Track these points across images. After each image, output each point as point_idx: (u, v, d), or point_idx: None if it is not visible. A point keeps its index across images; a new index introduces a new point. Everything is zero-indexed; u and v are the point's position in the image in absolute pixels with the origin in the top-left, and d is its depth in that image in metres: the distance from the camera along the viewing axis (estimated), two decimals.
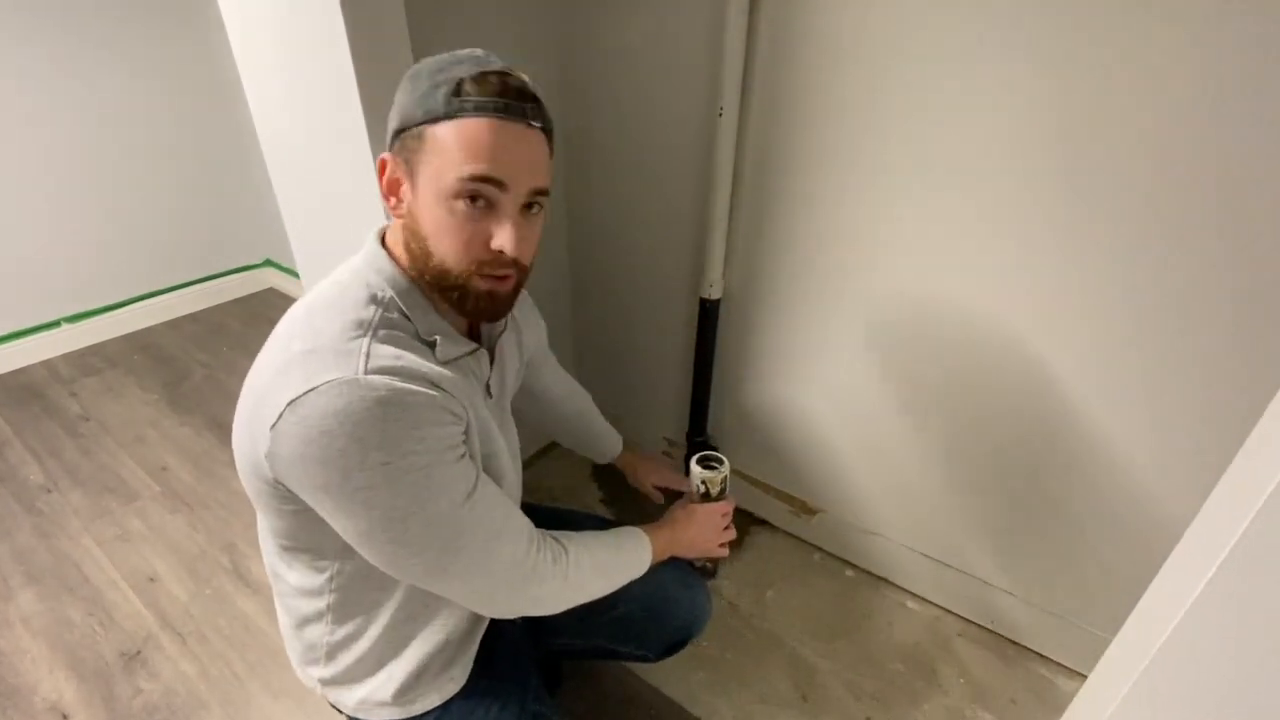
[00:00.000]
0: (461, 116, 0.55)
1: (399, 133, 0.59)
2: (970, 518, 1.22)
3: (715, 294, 1.28)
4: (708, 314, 1.31)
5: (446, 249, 0.59)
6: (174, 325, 2.48)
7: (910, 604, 1.36)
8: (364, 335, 0.57)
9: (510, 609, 0.68)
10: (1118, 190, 0.85)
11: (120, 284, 2.37)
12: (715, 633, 1.29)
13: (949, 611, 1.34)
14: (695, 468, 0.91)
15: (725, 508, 0.92)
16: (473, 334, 0.72)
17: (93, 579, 1.43)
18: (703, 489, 0.91)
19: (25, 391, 2.07)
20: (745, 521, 1.56)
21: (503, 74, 0.57)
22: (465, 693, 0.76)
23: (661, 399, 1.58)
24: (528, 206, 0.60)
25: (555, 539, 0.71)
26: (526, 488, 1.64)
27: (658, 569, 0.84)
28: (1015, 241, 0.96)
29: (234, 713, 1.17)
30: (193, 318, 2.53)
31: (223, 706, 1.18)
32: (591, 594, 0.73)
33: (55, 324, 2.25)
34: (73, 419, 1.94)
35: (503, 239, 0.58)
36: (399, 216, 0.62)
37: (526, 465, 1.70)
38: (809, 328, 1.24)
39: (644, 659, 0.95)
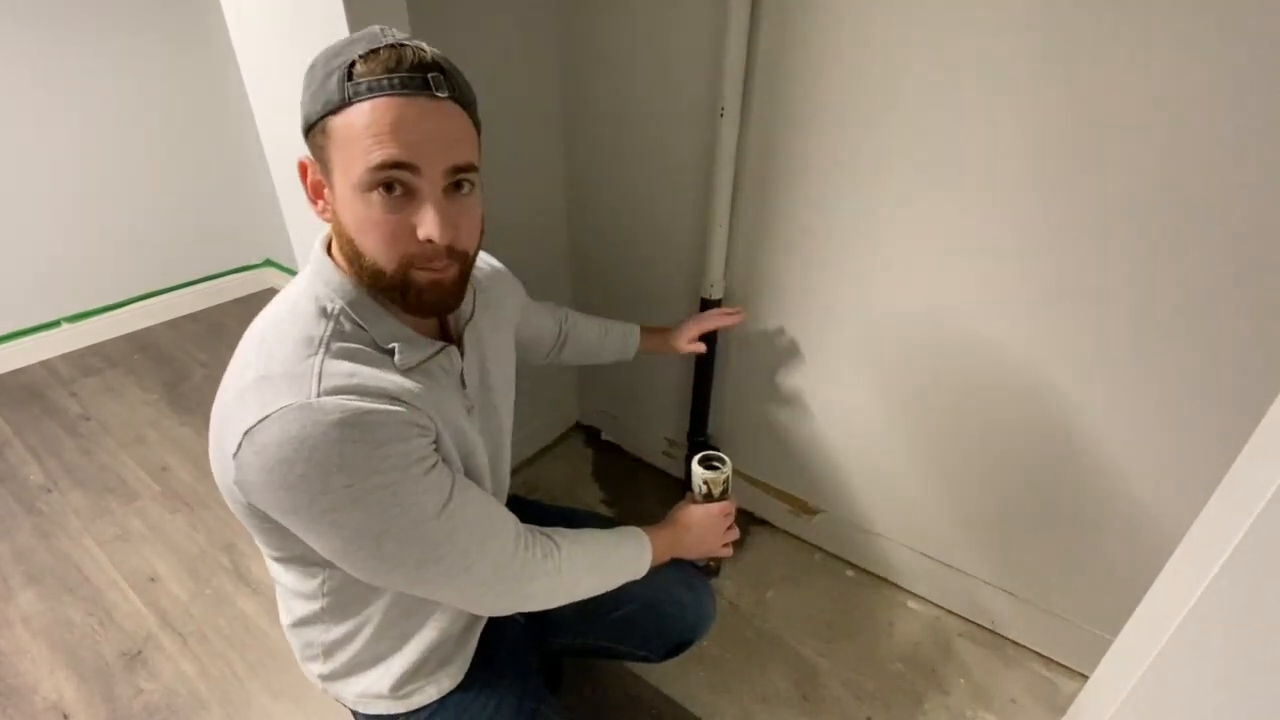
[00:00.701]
0: (357, 101, 0.51)
1: (307, 131, 0.55)
2: (971, 518, 1.22)
3: (716, 294, 1.28)
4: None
5: (373, 247, 0.55)
6: (174, 325, 2.48)
7: (911, 604, 1.36)
8: (315, 354, 0.55)
9: (502, 608, 0.68)
10: (1120, 195, 0.85)
11: (120, 284, 2.37)
12: (716, 632, 1.29)
13: (950, 612, 1.34)
14: (696, 468, 0.90)
15: (728, 507, 0.91)
16: (443, 328, 0.70)
17: (93, 579, 1.43)
18: (705, 489, 0.90)
19: (25, 391, 2.07)
20: (746, 521, 1.56)
21: (396, 46, 0.52)
22: (463, 688, 0.76)
23: (662, 399, 1.58)
24: (455, 186, 0.56)
25: (546, 535, 0.70)
26: (526, 486, 1.65)
27: (661, 570, 0.83)
28: (1016, 243, 0.95)
29: (234, 713, 1.17)
30: (193, 318, 2.53)
31: (223, 706, 1.18)
32: (587, 591, 0.73)
33: (55, 324, 2.25)
34: (73, 419, 1.94)
35: (427, 227, 0.54)
36: (326, 220, 0.59)
37: (528, 463, 1.71)
38: (810, 327, 1.24)
39: (646, 659, 0.94)
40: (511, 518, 0.67)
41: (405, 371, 0.60)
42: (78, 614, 1.35)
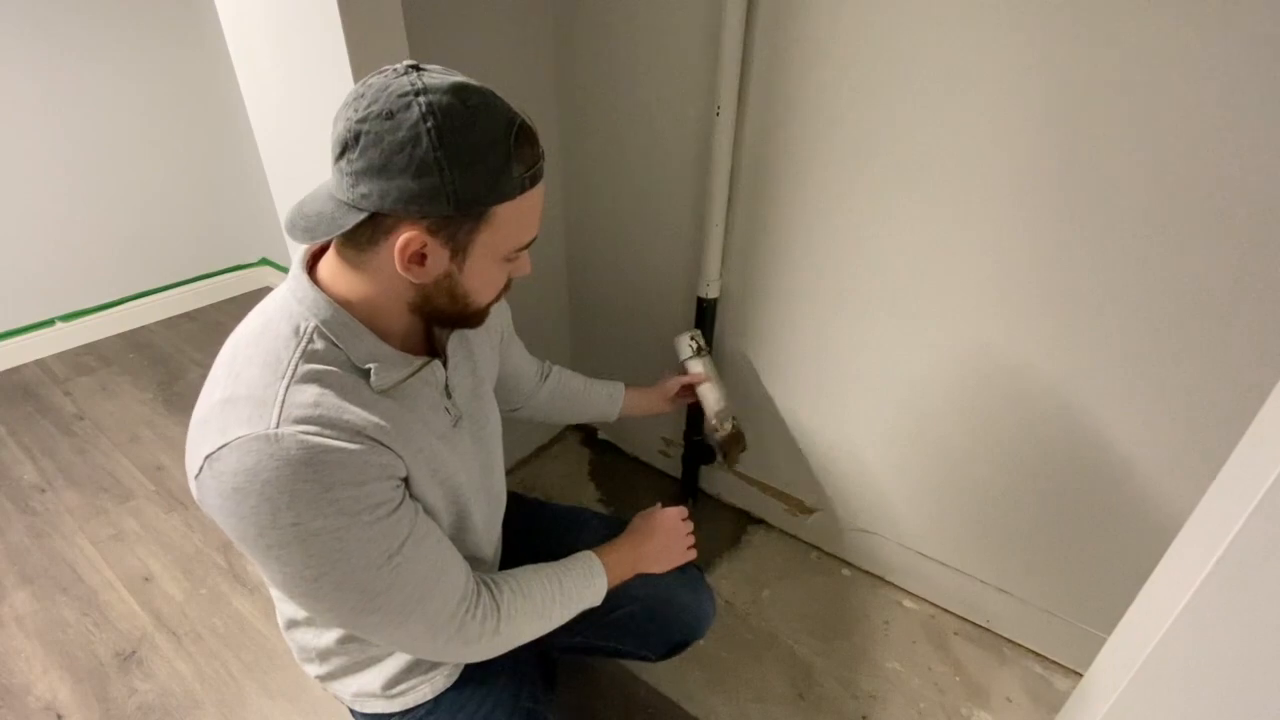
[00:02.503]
0: (524, 191, 0.55)
1: (457, 207, 0.52)
2: (966, 517, 1.22)
3: (712, 293, 1.28)
4: (705, 313, 1.31)
5: (485, 297, 0.62)
6: (169, 324, 2.47)
7: (907, 602, 1.37)
8: (281, 378, 0.54)
9: (439, 659, 0.69)
10: (1118, 197, 0.85)
11: (115, 282, 2.36)
12: (712, 631, 1.29)
13: (945, 610, 1.34)
14: (682, 339, 1.16)
15: (683, 510, 0.92)
16: (427, 340, 0.69)
17: (87, 579, 1.42)
18: (692, 346, 1.15)
19: (19, 391, 2.06)
20: (742, 520, 1.56)
21: (526, 126, 0.54)
22: (457, 687, 0.76)
23: None
24: None
25: (492, 590, 0.69)
26: (523, 485, 1.65)
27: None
28: (1008, 241, 0.96)
29: (229, 713, 1.16)
30: (188, 316, 2.52)
31: (218, 707, 1.17)
32: (529, 638, 0.72)
33: (49, 323, 2.24)
34: (67, 418, 1.94)
35: (525, 270, 0.64)
36: (419, 282, 0.57)
37: (524, 463, 1.71)
38: (807, 327, 1.24)
39: (645, 658, 0.95)
40: (463, 575, 0.65)
41: (381, 392, 0.59)
42: (72, 614, 1.34)
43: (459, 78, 0.52)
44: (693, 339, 1.21)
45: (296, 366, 0.55)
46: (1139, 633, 0.64)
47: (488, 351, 0.79)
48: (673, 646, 0.93)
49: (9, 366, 2.17)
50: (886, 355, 1.17)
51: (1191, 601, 0.53)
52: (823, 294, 1.19)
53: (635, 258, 1.43)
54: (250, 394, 0.53)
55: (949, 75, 0.91)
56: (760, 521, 1.56)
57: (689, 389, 1.17)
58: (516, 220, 0.56)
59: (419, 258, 0.54)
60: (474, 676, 0.77)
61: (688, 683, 1.20)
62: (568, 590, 0.75)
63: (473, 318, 0.63)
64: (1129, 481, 1.02)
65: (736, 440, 1.20)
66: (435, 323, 0.64)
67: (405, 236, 0.52)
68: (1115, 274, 0.90)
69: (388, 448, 0.57)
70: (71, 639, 1.29)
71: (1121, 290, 0.90)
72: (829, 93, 1.02)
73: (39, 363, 2.21)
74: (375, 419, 0.57)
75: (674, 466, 1.64)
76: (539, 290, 1.52)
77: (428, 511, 0.64)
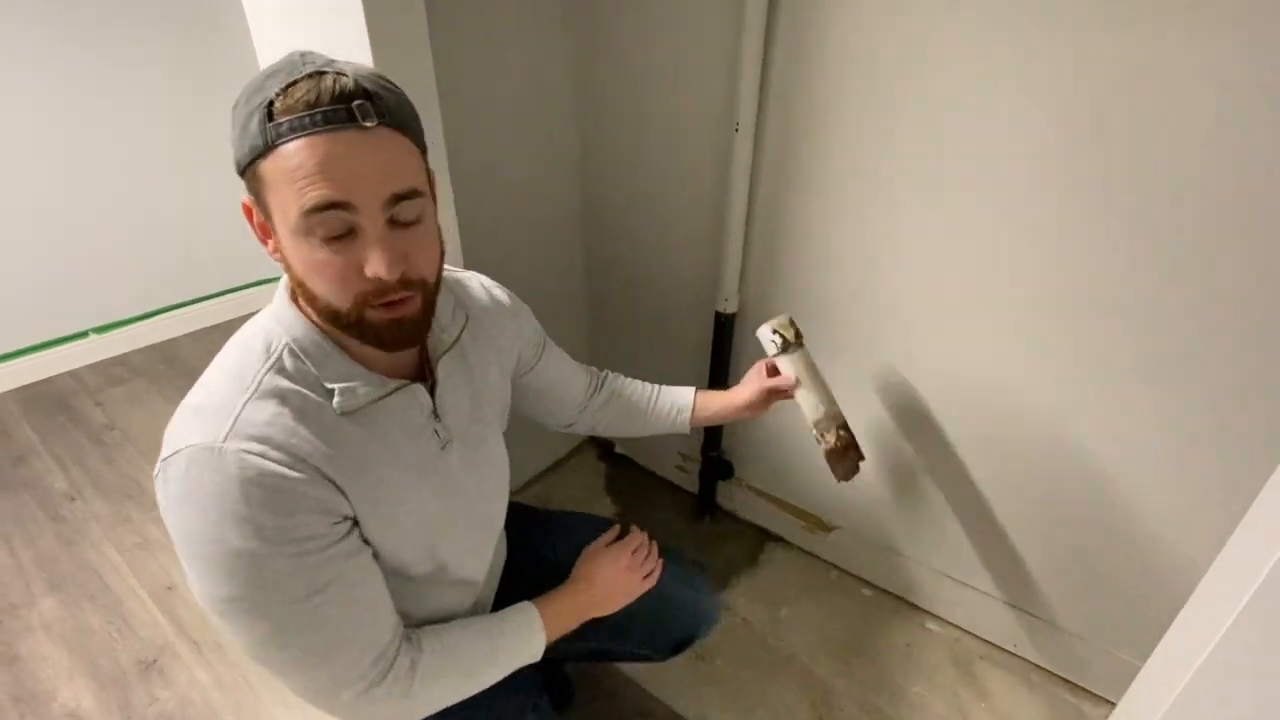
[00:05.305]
0: (281, 143, 0.48)
1: (241, 175, 0.53)
2: (992, 537, 1.19)
3: (731, 308, 1.28)
4: (723, 328, 1.30)
5: (324, 289, 0.53)
6: (198, 336, 2.52)
7: (930, 625, 1.33)
8: (244, 393, 0.54)
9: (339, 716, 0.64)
10: (1139, 219, 0.84)
11: (147, 296, 2.42)
12: (729, 650, 1.27)
13: (970, 633, 1.31)
14: (765, 330, 0.93)
15: (630, 542, 0.86)
16: (421, 359, 0.67)
17: (113, 586, 1.45)
18: (777, 340, 0.92)
19: (53, 401, 2.12)
20: (760, 537, 1.54)
21: (315, 76, 0.49)
22: (464, 702, 0.74)
23: None
24: (398, 223, 0.53)
25: (412, 651, 0.64)
26: (539, 500, 1.65)
27: (662, 569, 0.85)
28: (1033, 259, 0.94)
29: None
30: (217, 329, 2.58)
31: (235, 716, 1.18)
32: (452, 700, 0.68)
33: (83, 334, 2.30)
34: (97, 428, 1.98)
35: (374, 264, 0.51)
36: (278, 261, 0.56)
37: (540, 478, 1.71)
38: (825, 343, 1.23)
39: (649, 659, 0.93)
40: (388, 633, 0.62)
41: (347, 414, 0.58)
42: (97, 621, 1.37)
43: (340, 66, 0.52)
44: (777, 332, 0.93)
45: (261, 382, 0.55)
46: (1172, 664, 0.62)
47: (494, 374, 0.77)
48: (676, 645, 0.91)
49: (44, 377, 2.23)
50: (909, 372, 1.15)
51: (1229, 632, 0.51)
52: (843, 310, 1.18)
53: (653, 271, 1.43)
54: (212, 404, 0.54)
55: (975, 90, 0.90)
56: (778, 539, 1.53)
57: (779, 392, 0.94)
58: (283, 177, 0.49)
59: (265, 229, 0.55)
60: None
61: (704, 702, 1.18)
62: (500, 649, 0.71)
63: (352, 326, 0.55)
64: (1164, 506, 0.98)
65: (845, 451, 0.93)
66: (360, 339, 0.57)
67: (243, 203, 0.55)
68: (1155, 312, 0.88)
69: (330, 480, 0.56)
70: (96, 646, 1.31)
71: (1154, 318, 0.88)
72: (850, 109, 1.02)
73: (72, 373, 2.27)
74: (326, 447, 0.56)
75: (691, 482, 1.62)
76: (556, 302, 1.53)
77: (382, 552, 0.62)
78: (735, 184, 1.14)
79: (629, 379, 0.98)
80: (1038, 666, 1.24)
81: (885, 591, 1.40)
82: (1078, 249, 0.90)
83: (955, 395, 1.12)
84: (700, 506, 1.60)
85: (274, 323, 0.59)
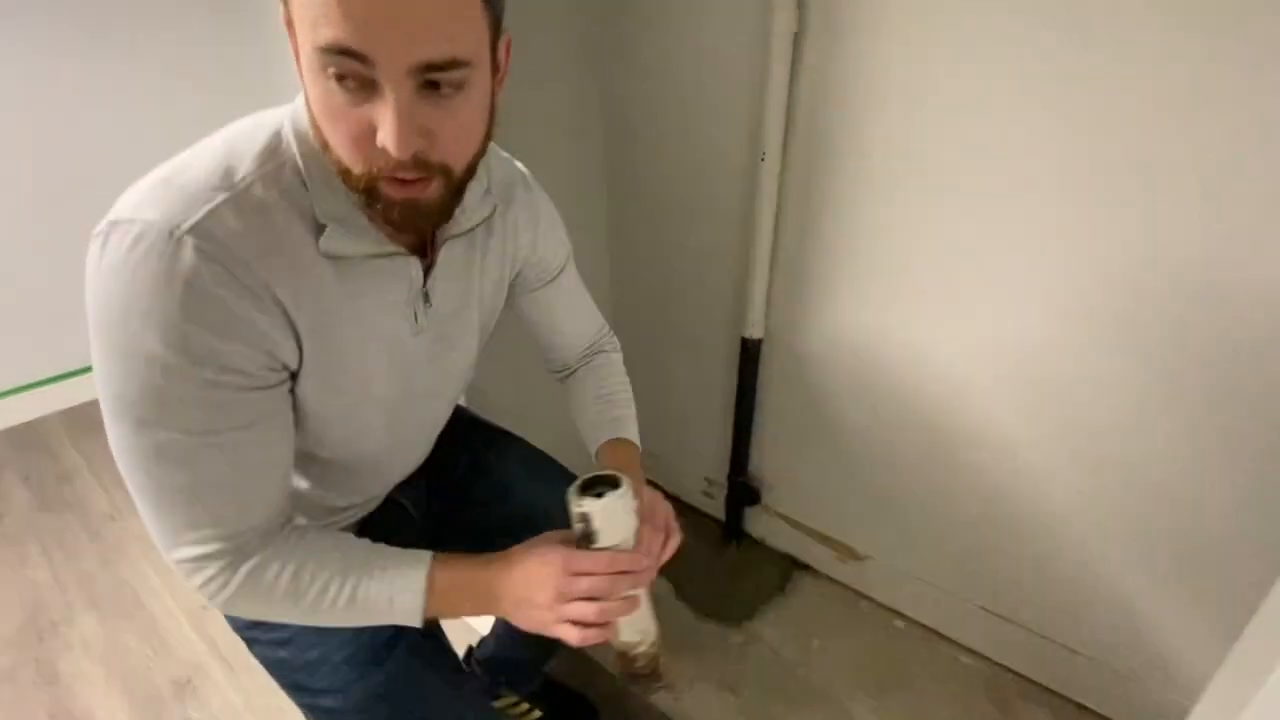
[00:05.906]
0: None
1: None
2: (1030, 569, 1.16)
3: (757, 333, 1.28)
4: (749, 353, 1.31)
5: (336, 141, 0.46)
6: None
7: (965, 659, 1.29)
8: (225, 190, 0.47)
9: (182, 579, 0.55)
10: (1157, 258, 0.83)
11: None
12: (759, 681, 1.25)
13: (1007, 669, 1.26)
14: (573, 496, 0.59)
15: (580, 560, 0.58)
16: (431, 234, 0.59)
17: (149, 606, 1.48)
18: (581, 527, 0.59)
19: (98, 423, 2.17)
20: (788, 566, 1.52)
21: None
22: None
23: (702, 438, 1.56)
24: (431, 85, 0.44)
25: (270, 560, 0.54)
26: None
27: (507, 465, 0.81)
28: (1072, 272, 0.93)
29: None
30: None
31: None
32: (278, 619, 0.58)
33: None
34: None
35: (385, 134, 0.43)
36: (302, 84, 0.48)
37: None
38: (853, 369, 1.23)
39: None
40: (258, 518, 0.54)
41: (329, 257, 0.51)
42: (134, 640, 1.39)
43: None
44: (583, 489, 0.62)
45: (249, 185, 0.48)
46: (1230, 700, 0.59)
47: (492, 278, 0.69)
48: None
49: (89, 399, 2.31)
50: (938, 397, 1.14)
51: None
52: (870, 336, 1.17)
53: (679, 295, 1.44)
54: (185, 185, 0.47)
55: (1002, 116, 0.91)
56: (807, 568, 1.51)
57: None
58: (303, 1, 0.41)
59: (288, 24, 0.45)
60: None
61: None
62: (362, 599, 0.57)
63: (363, 192, 0.47)
64: (1218, 537, 0.95)
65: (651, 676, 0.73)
66: (368, 205, 0.49)
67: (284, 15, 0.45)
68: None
69: (288, 321, 0.50)
70: (132, 666, 1.34)
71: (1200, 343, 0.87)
72: (876, 138, 1.03)
73: None
74: (295, 283, 0.49)
75: (717, 508, 1.61)
76: None
77: (308, 421, 0.57)
78: (762, 213, 1.15)
79: (611, 375, 0.86)
80: (1079, 704, 1.19)
81: (918, 623, 1.36)
82: (1127, 269, 0.89)
83: (993, 419, 1.10)
84: (727, 533, 1.58)
85: (289, 128, 0.51)
